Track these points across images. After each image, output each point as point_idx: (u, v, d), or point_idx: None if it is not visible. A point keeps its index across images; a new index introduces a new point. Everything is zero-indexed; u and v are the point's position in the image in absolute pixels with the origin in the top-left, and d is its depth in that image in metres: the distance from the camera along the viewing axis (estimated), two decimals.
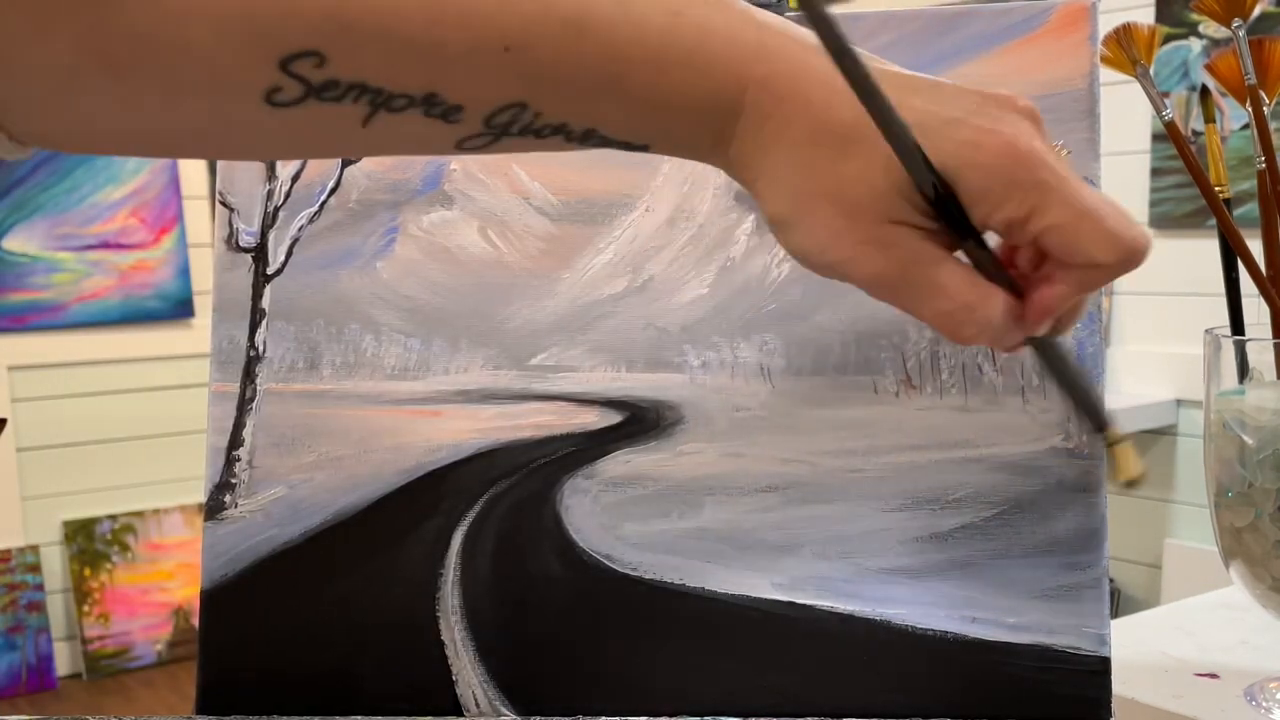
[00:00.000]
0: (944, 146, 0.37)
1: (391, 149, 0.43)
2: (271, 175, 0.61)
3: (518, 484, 0.58)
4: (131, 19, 0.34)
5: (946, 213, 0.38)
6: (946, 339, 0.40)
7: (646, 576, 0.57)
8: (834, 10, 0.35)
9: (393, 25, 0.35)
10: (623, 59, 0.37)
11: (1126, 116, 2.22)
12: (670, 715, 0.55)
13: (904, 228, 0.38)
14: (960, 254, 0.39)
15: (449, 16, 0.36)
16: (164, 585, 3.12)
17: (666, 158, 0.59)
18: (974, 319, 0.38)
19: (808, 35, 0.38)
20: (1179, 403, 2.29)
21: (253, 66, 0.35)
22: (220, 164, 0.62)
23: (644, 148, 0.40)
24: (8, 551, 2.95)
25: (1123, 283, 2.34)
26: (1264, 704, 0.60)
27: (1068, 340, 0.54)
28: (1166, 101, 0.62)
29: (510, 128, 0.38)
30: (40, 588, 2.99)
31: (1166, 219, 2.26)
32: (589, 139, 0.39)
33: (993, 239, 0.40)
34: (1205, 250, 2.18)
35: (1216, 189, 0.62)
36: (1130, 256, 0.38)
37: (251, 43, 0.35)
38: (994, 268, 0.39)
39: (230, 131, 0.39)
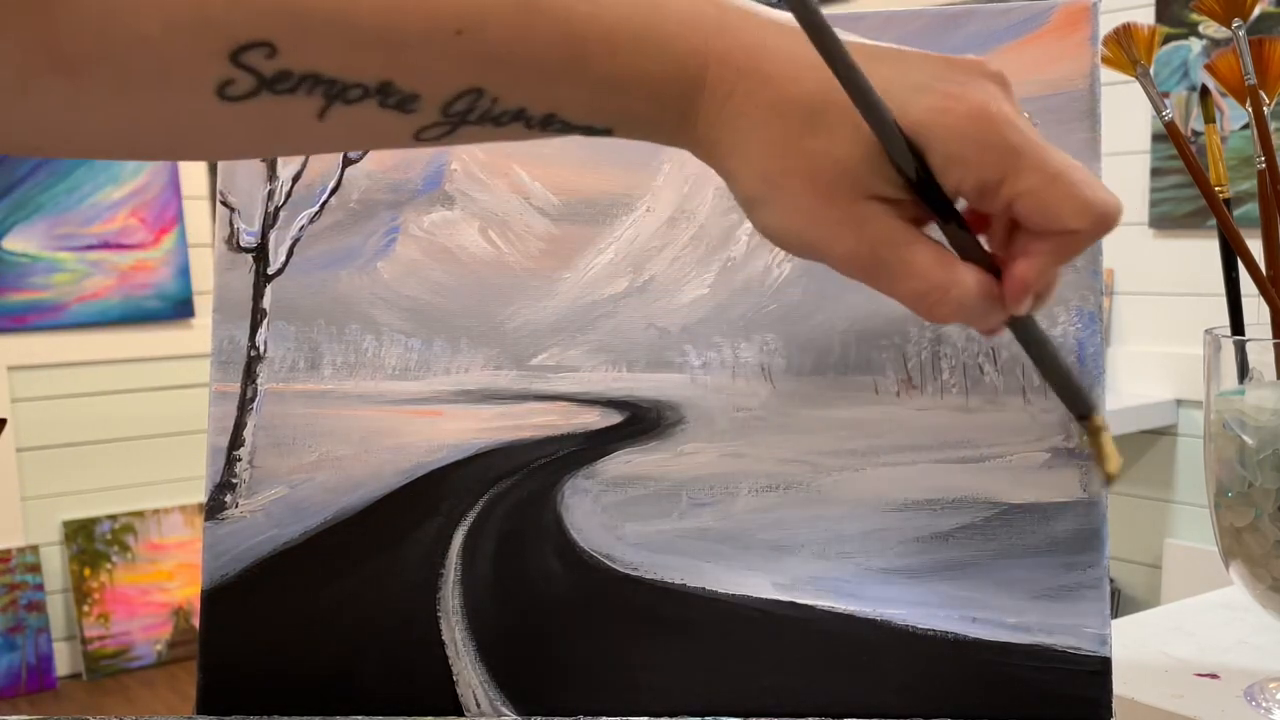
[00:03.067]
0: (913, 113, 0.37)
1: (350, 143, 0.42)
2: (272, 175, 0.61)
3: (518, 484, 0.58)
4: (82, 15, 0.34)
5: (926, 193, 0.38)
6: (922, 318, 0.40)
7: (647, 576, 0.57)
8: None
9: (343, 13, 0.35)
10: (579, 38, 0.37)
11: (1126, 116, 2.22)
12: (670, 715, 0.55)
13: (876, 204, 0.38)
14: (933, 230, 0.39)
15: (400, 1, 0.35)
16: (164, 585, 3.12)
17: (667, 158, 0.59)
18: (948, 299, 0.38)
19: (767, 12, 0.38)
20: (1179, 403, 2.29)
21: (203, 59, 0.35)
22: (221, 164, 0.62)
23: (607, 131, 0.39)
24: (8, 551, 2.95)
25: (1123, 283, 2.35)
26: (1264, 704, 0.60)
27: (1055, 328, 0.54)
28: (1166, 101, 0.62)
29: (468, 115, 0.37)
30: (40, 588, 2.99)
31: (1166, 219, 2.26)
32: (549, 124, 0.38)
33: (962, 210, 0.40)
34: (1205, 250, 2.18)
35: (1216, 189, 0.62)
36: (1103, 221, 0.38)
37: (201, 35, 0.34)
38: (972, 247, 0.39)
39: (183, 129, 0.38)
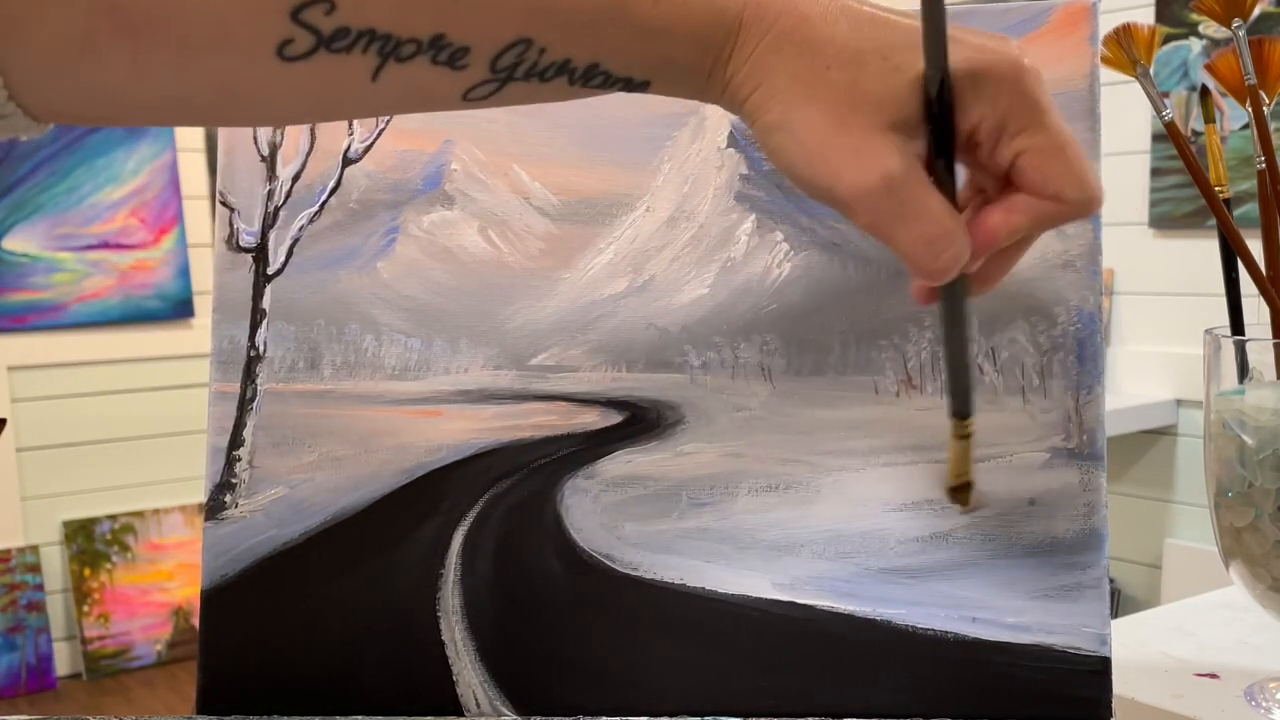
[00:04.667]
0: (961, 49, 0.38)
1: (399, 104, 0.43)
2: (272, 175, 0.61)
3: (518, 484, 0.58)
4: None
5: (936, 121, 0.38)
6: (913, 269, 0.40)
7: (647, 576, 0.57)
8: None
9: None
10: None
11: (1126, 116, 2.22)
12: (670, 715, 0.55)
13: (894, 139, 0.38)
14: None
15: None
16: (164, 585, 3.12)
17: (667, 157, 0.59)
18: (953, 247, 0.39)
19: None
20: (1179, 403, 2.29)
21: (265, 17, 0.36)
22: (221, 164, 0.62)
23: (644, 85, 0.40)
24: (8, 551, 2.95)
25: (1123, 283, 2.35)
26: (1264, 704, 0.60)
27: (1055, 328, 0.54)
28: (1166, 101, 0.62)
29: (516, 70, 0.39)
30: (40, 588, 2.99)
31: (1166, 219, 2.26)
32: (591, 77, 0.40)
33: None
34: (1205, 250, 2.19)
35: (1216, 189, 0.62)
36: (1091, 202, 0.40)
37: None
38: (950, 192, 0.39)
39: (238, 92, 0.39)
